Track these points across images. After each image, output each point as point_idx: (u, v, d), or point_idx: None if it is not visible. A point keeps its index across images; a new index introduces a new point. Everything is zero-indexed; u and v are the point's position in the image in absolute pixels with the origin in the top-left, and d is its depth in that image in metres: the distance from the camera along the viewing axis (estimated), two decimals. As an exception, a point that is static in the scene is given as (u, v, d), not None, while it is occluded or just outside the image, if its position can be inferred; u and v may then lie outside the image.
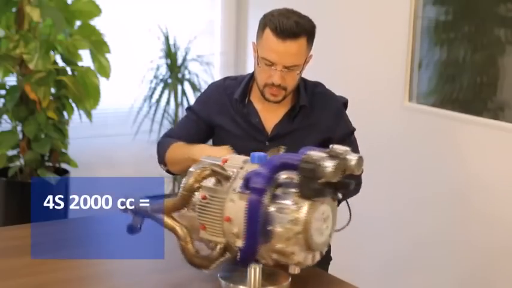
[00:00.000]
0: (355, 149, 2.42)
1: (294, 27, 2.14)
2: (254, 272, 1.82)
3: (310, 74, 2.42)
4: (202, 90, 2.58)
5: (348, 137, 2.36)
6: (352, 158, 1.71)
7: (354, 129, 2.40)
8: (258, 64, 2.22)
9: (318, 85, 2.38)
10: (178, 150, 2.27)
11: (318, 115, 2.32)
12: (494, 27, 3.08)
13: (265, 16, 2.21)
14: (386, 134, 3.45)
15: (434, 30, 3.36)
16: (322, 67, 3.27)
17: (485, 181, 3.09)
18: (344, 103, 2.39)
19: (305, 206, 1.70)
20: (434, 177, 3.30)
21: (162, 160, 2.34)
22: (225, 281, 1.86)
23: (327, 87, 2.40)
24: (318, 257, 1.79)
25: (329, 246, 2.36)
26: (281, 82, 2.19)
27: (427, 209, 3.34)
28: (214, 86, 2.43)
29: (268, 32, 2.17)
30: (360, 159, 1.73)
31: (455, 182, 3.21)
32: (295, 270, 1.78)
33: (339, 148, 1.73)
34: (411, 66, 3.39)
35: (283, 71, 2.17)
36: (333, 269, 2.32)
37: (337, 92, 2.42)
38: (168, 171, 2.37)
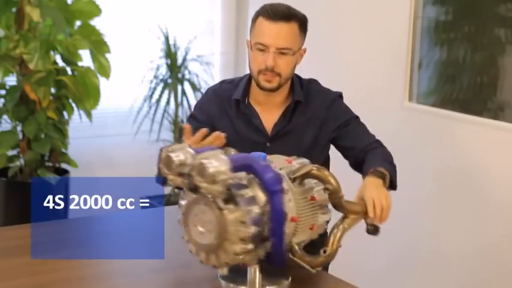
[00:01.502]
0: (363, 132, 2.38)
1: (286, 11, 2.21)
2: (254, 272, 1.82)
3: (310, 73, 2.42)
4: (202, 91, 2.57)
5: (348, 123, 2.34)
6: (207, 163, 1.65)
7: (355, 116, 2.38)
8: (251, 50, 2.24)
9: (312, 82, 2.40)
10: None
11: (314, 110, 2.33)
12: (494, 27, 3.08)
13: (257, 11, 2.27)
14: (386, 134, 3.42)
15: (434, 30, 3.36)
16: (322, 67, 3.27)
17: (485, 181, 3.09)
18: (339, 95, 2.40)
19: (188, 198, 1.76)
20: (434, 177, 3.30)
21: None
22: (225, 281, 1.87)
23: (327, 86, 2.40)
24: (222, 258, 1.74)
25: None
26: (274, 65, 2.20)
27: (427, 209, 3.33)
28: (211, 91, 2.43)
29: (260, 19, 2.23)
30: (200, 165, 1.66)
31: (455, 182, 3.21)
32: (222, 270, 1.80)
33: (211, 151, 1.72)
34: (411, 66, 3.39)
35: (276, 53, 2.19)
36: (333, 269, 2.31)
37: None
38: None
